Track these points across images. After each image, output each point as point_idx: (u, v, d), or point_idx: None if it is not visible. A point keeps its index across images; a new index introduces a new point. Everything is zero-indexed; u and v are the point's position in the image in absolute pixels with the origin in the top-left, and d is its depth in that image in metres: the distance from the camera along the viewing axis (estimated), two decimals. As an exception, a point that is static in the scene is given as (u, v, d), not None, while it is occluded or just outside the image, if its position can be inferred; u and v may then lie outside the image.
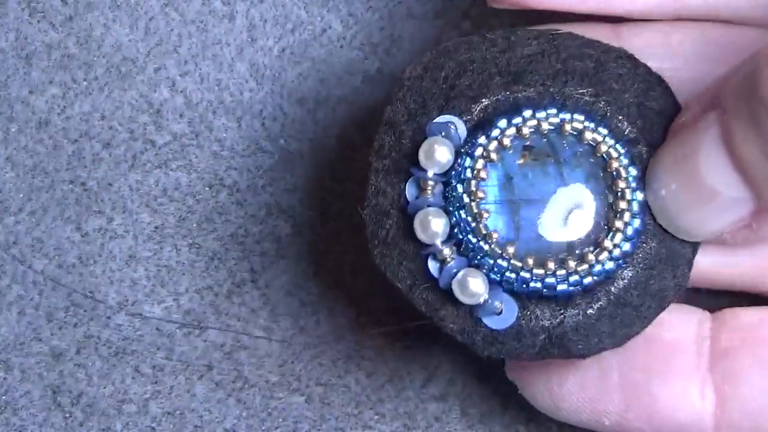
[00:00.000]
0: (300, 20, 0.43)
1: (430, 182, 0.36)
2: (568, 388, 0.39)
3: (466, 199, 0.36)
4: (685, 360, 0.38)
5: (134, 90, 0.43)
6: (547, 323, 0.36)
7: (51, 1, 0.43)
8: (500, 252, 0.36)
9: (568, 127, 0.36)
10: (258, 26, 0.43)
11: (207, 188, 0.43)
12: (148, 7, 0.43)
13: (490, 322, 0.36)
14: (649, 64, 0.38)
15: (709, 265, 0.38)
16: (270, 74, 0.43)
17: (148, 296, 0.43)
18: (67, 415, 0.43)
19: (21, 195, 0.43)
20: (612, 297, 0.37)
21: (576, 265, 0.36)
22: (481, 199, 0.36)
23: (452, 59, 0.37)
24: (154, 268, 0.43)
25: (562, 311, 0.36)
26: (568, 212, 0.37)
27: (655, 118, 0.37)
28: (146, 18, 0.43)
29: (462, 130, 0.36)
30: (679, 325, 0.39)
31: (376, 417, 0.43)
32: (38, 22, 0.43)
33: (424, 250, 0.36)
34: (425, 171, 0.36)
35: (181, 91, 0.43)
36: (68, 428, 0.43)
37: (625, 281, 0.37)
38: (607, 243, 0.36)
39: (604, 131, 0.36)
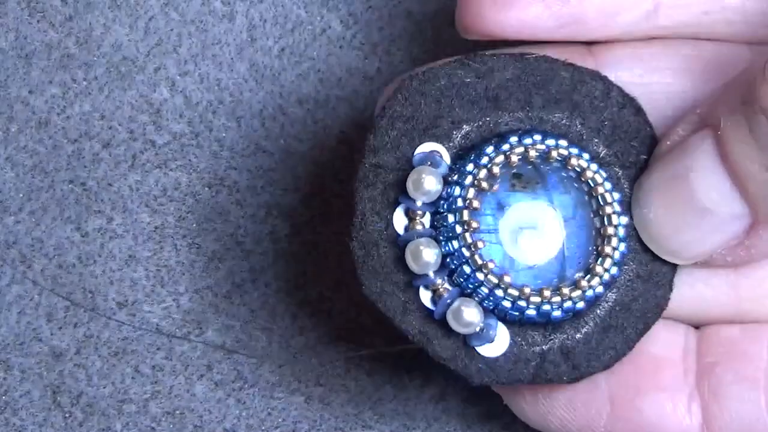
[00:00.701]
0: (300, 20, 0.43)
1: (420, 212, 0.36)
2: (555, 402, 0.38)
3: (459, 230, 0.35)
4: (672, 375, 0.38)
5: (134, 90, 0.43)
6: (537, 349, 0.37)
7: (51, 1, 0.43)
8: (497, 282, 0.35)
9: (554, 153, 0.36)
10: (258, 26, 0.43)
11: (207, 188, 0.43)
12: (148, 7, 0.43)
13: (484, 350, 0.36)
14: (622, 79, 0.38)
15: (686, 300, 0.38)
16: (270, 74, 0.43)
17: (148, 296, 0.43)
18: (67, 415, 0.43)
19: (21, 195, 0.43)
20: (598, 320, 0.37)
21: (570, 291, 0.36)
22: (474, 228, 0.35)
23: (432, 86, 0.37)
24: (153, 268, 0.43)
25: (552, 337, 0.37)
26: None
27: (628, 139, 0.37)
28: (146, 18, 0.43)
29: (446, 157, 0.36)
30: (666, 340, 0.38)
31: (376, 417, 0.43)
32: (38, 22, 0.43)
33: (417, 281, 0.36)
34: (413, 201, 0.36)
35: (181, 91, 0.43)
36: (68, 428, 0.43)
37: (610, 303, 0.37)
38: (599, 269, 0.36)
39: (587, 156, 0.36)
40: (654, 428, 0.38)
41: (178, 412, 0.43)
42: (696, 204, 0.35)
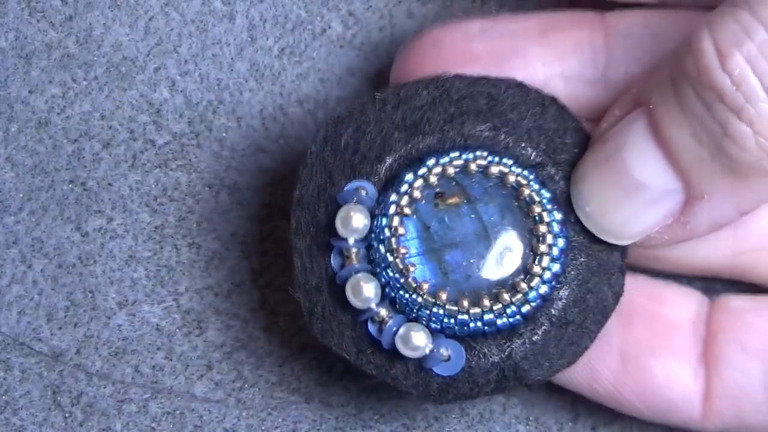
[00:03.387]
0: (300, 20, 0.43)
1: (353, 249, 0.36)
2: None
3: (390, 258, 0.36)
4: (682, 340, 0.39)
5: (134, 90, 0.43)
6: (496, 359, 0.37)
7: (51, 1, 0.43)
8: (434, 300, 0.36)
9: (473, 165, 0.37)
10: (258, 26, 0.43)
11: (207, 188, 0.43)
12: (148, 7, 0.43)
13: (441, 369, 0.37)
14: (628, 45, 0.38)
15: (680, 253, 0.39)
16: (270, 74, 0.43)
17: (148, 296, 0.43)
18: (67, 415, 0.43)
19: (21, 195, 0.43)
20: (554, 319, 0.37)
21: (510, 297, 0.36)
22: (404, 254, 0.36)
23: (349, 126, 0.38)
24: (154, 268, 0.43)
25: (508, 344, 0.37)
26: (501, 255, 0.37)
27: (555, 137, 0.38)
28: (146, 18, 0.43)
29: (372, 192, 0.37)
30: (681, 306, 0.39)
31: (376, 417, 0.43)
32: (38, 21, 0.43)
33: (362, 316, 0.37)
34: (345, 240, 0.36)
35: (181, 91, 0.43)
36: (68, 428, 0.43)
37: (563, 301, 0.37)
38: (536, 268, 0.36)
39: (509, 162, 0.37)
40: (660, 389, 0.38)
41: (178, 412, 0.43)
42: (630, 180, 0.36)
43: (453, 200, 0.37)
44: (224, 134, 0.43)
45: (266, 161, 0.43)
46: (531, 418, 0.43)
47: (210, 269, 0.43)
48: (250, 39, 0.43)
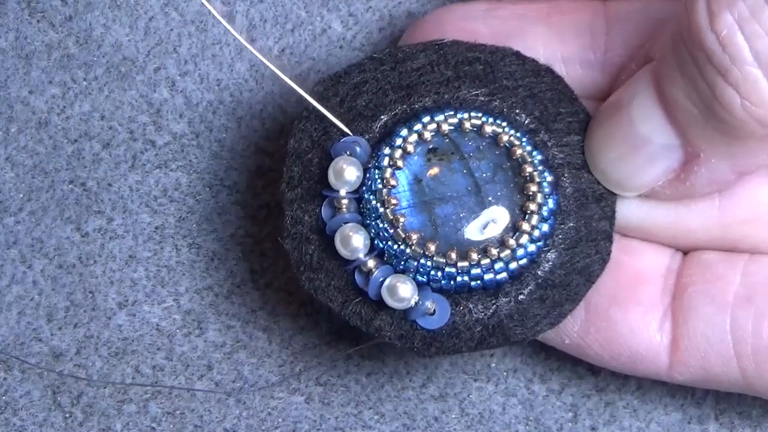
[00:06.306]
0: (300, 20, 0.43)
1: (344, 200, 0.37)
2: None
3: (381, 208, 0.37)
4: (650, 292, 0.39)
5: (134, 90, 0.43)
6: (481, 315, 0.37)
7: (51, 1, 0.43)
8: (422, 251, 0.37)
9: (467, 124, 0.37)
10: (258, 26, 0.43)
11: (207, 188, 0.43)
12: (148, 7, 0.43)
13: (425, 322, 0.37)
14: (628, 29, 0.39)
15: (637, 218, 0.39)
16: (270, 74, 0.43)
17: (148, 296, 0.43)
18: (67, 415, 0.43)
19: (21, 195, 0.43)
20: (540, 280, 0.37)
21: (498, 252, 0.37)
22: (394, 205, 0.37)
23: (345, 84, 0.38)
24: (154, 269, 0.43)
25: (494, 301, 0.37)
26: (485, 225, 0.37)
27: (550, 105, 0.38)
28: (146, 18, 0.43)
29: (365, 147, 0.37)
30: (652, 258, 0.39)
31: (376, 417, 0.43)
32: (38, 22, 0.43)
33: (349, 266, 0.37)
34: (337, 191, 0.37)
35: (181, 91, 0.43)
36: (68, 428, 0.43)
37: (550, 263, 0.37)
38: (525, 226, 0.37)
39: (503, 123, 0.37)
40: (624, 340, 0.39)
41: (178, 412, 0.43)
42: (636, 134, 0.36)
43: (446, 155, 0.37)
44: (224, 135, 0.43)
45: (266, 161, 0.43)
46: (531, 419, 0.43)
47: (210, 270, 0.43)
48: (250, 39, 0.43)
